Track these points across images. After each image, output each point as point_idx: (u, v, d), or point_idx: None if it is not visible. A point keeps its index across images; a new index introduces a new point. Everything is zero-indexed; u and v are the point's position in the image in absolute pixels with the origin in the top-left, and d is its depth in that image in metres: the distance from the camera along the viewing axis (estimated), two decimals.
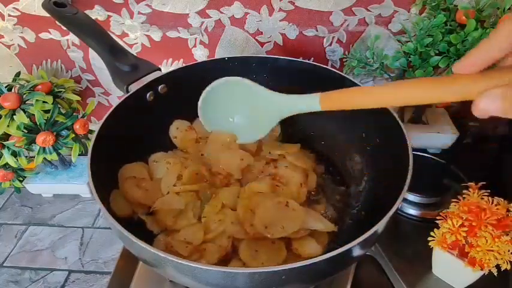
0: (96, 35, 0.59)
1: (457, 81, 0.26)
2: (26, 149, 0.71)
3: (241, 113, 0.57)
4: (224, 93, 0.55)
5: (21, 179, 0.78)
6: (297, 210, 0.51)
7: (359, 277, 0.57)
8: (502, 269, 0.46)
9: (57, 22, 0.67)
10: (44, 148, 0.70)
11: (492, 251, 0.45)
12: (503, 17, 0.23)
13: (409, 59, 0.68)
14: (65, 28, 0.63)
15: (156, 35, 0.75)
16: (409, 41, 0.68)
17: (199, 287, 0.40)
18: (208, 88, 0.55)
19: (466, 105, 0.25)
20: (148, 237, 0.51)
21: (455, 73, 0.27)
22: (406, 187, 0.42)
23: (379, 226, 0.39)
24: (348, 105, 0.41)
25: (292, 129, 0.67)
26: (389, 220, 0.39)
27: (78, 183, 0.79)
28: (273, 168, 0.59)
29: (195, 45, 0.76)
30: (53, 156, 0.71)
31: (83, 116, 0.74)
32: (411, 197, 0.64)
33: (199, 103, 0.56)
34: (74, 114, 0.73)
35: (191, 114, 0.66)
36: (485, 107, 0.22)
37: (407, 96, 0.33)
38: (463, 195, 0.51)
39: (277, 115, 0.52)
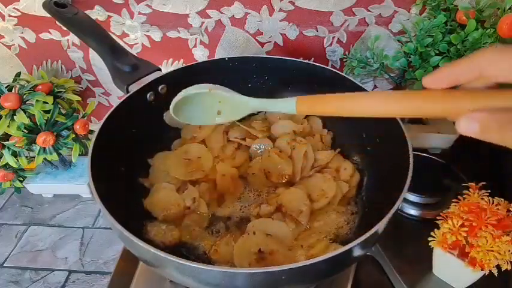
0: (96, 35, 0.59)
1: (445, 98, 0.26)
2: (27, 149, 0.71)
3: (213, 112, 0.50)
4: (197, 100, 0.48)
5: (21, 179, 0.78)
6: None
7: (359, 277, 0.57)
8: (503, 269, 0.46)
9: (57, 22, 0.67)
10: (44, 148, 0.70)
11: (492, 251, 0.45)
12: (483, 50, 0.22)
13: (409, 59, 0.68)
14: (65, 28, 0.63)
15: (157, 35, 0.75)
16: (409, 41, 0.68)
17: (199, 287, 0.40)
18: (179, 95, 0.47)
19: None
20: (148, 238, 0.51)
21: (425, 86, 0.27)
22: (406, 187, 0.42)
23: (379, 226, 0.39)
24: (323, 112, 0.39)
25: None
26: (390, 220, 0.39)
27: (78, 183, 0.79)
28: None
29: (195, 46, 0.76)
30: (53, 157, 0.71)
31: (83, 116, 0.74)
32: (411, 197, 0.64)
33: (172, 106, 0.47)
34: (74, 114, 0.73)
35: None
36: (464, 129, 0.24)
37: (387, 110, 0.31)
38: (464, 196, 0.51)
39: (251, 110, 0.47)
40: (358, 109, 0.34)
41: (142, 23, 0.73)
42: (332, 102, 0.37)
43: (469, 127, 0.23)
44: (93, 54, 0.79)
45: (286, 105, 0.41)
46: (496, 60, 0.23)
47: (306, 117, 0.68)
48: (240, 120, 0.67)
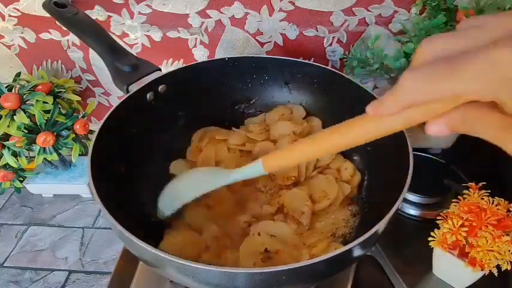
0: (96, 35, 0.59)
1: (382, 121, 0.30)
2: (26, 149, 0.71)
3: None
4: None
5: (21, 179, 0.78)
6: None
7: (359, 277, 0.57)
8: (503, 269, 0.46)
9: (57, 22, 0.68)
10: (44, 148, 0.70)
11: (492, 251, 0.45)
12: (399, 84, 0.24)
13: (409, 59, 0.68)
14: (65, 28, 0.63)
15: (157, 35, 0.75)
16: (409, 41, 0.68)
17: (199, 287, 0.40)
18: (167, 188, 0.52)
19: None
20: (149, 238, 0.51)
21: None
22: (406, 187, 0.42)
23: (379, 226, 0.39)
24: (289, 164, 0.43)
25: None
26: (390, 220, 0.39)
27: (78, 183, 0.79)
28: None
29: (195, 46, 0.76)
30: (53, 157, 0.71)
31: (83, 116, 0.74)
32: (411, 197, 0.64)
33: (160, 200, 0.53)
34: (74, 114, 0.73)
35: (191, 114, 0.67)
36: (436, 131, 0.26)
37: (340, 145, 0.34)
38: (464, 196, 0.51)
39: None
40: (315, 153, 0.37)
41: (142, 23, 0.73)
42: (292, 153, 0.39)
43: (439, 129, 0.26)
44: (93, 54, 0.78)
45: (255, 169, 0.42)
46: (416, 90, 0.24)
47: (305, 117, 0.68)
48: (238, 127, 0.67)
